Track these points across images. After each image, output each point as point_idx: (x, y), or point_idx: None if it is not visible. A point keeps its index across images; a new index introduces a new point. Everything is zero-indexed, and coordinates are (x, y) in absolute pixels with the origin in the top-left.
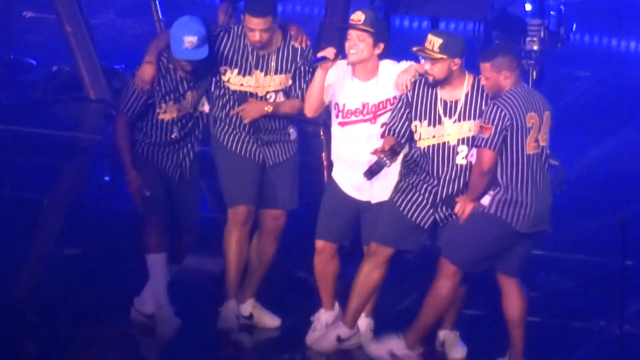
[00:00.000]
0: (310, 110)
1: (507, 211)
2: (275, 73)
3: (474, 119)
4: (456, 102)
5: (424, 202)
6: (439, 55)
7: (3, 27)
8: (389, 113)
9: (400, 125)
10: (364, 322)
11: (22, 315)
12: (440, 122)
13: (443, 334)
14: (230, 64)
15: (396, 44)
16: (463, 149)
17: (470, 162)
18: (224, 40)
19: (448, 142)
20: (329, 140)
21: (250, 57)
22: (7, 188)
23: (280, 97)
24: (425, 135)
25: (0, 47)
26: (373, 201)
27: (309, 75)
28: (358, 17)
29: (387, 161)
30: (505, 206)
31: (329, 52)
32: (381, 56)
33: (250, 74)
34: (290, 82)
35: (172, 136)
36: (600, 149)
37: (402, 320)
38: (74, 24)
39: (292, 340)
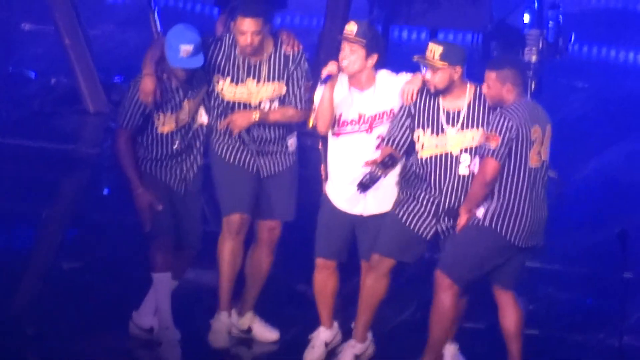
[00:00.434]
0: (323, 127)
1: (502, 223)
2: (268, 81)
3: (477, 127)
4: (459, 111)
5: (426, 213)
6: (440, 64)
7: (2, 39)
8: (386, 124)
9: (400, 134)
10: None
11: (21, 329)
12: (443, 132)
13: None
14: (222, 72)
15: (395, 55)
16: (466, 159)
17: (473, 172)
18: (217, 50)
19: (451, 151)
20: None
21: (242, 65)
22: (6, 201)
23: (275, 106)
24: (428, 144)
25: None
26: (365, 214)
27: (302, 81)
28: (351, 28)
29: (381, 173)
30: (500, 218)
31: (332, 67)
32: (379, 66)
33: (242, 82)
34: (284, 90)
35: (174, 147)
36: (599, 160)
37: (402, 331)
38: (72, 37)
39: (291, 354)
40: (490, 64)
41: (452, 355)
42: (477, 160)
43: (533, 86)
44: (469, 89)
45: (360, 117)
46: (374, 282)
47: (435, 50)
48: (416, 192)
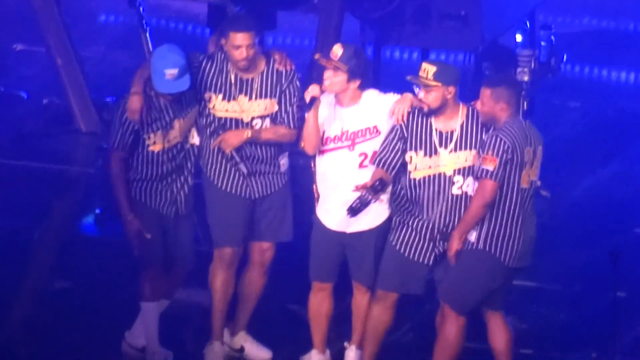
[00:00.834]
0: (310, 149)
1: (497, 245)
2: (260, 97)
3: (470, 149)
4: (452, 132)
5: (421, 239)
6: (434, 83)
7: None
8: (369, 142)
9: (392, 156)
10: (354, 354)
11: (13, 349)
12: (436, 153)
13: None
14: (214, 89)
15: (387, 75)
16: (459, 179)
17: (465, 193)
18: (208, 67)
19: (444, 172)
20: None
21: (234, 82)
22: None
23: (267, 124)
24: (421, 165)
25: None
26: (348, 231)
27: (294, 99)
28: (336, 52)
29: (371, 198)
30: (494, 240)
31: (315, 90)
32: (368, 85)
33: (234, 99)
34: (276, 107)
35: (164, 167)
36: (591, 180)
37: (395, 350)
38: (64, 57)
39: None
40: (486, 82)
41: None
42: (469, 180)
43: (525, 106)
44: (462, 110)
45: (342, 133)
46: (379, 314)
47: (428, 69)
48: (407, 219)
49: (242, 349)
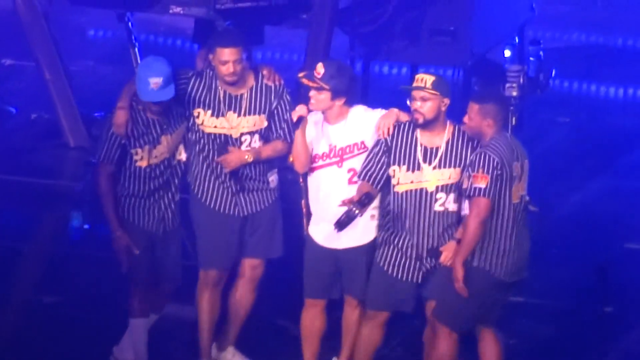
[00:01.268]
0: (300, 167)
1: (491, 262)
2: (249, 114)
3: (454, 167)
4: (437, 148)
5: (407, 259)
6: (433, 92)
7: None
8: (357, 158)
9: (377, 169)
10: None
11: None
12: (419, 168)
13: None
14: (203, 105)
15: (376, 90)
16: (441, 196)
17: (447, 209)
18: (197, 83)
19: (426, 188)
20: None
21: (222, 98)
22: None
23: (256, 140)
24: (404, 180)
25: None
26: (340, 247)
27: (287, 113)
28: (318, 70)
29: (358, 212)
30: (488, 257)
31: (302, 110)
32: (355, 101)
33: (223, 115)
34: (265, 123)
35: (151, 184)
36: (580, 195)
37: None
38: (53, 72)
39: None
40: (475, 97)
41: None
42: (452, 197)
43: (514, 121)
44: (449, 127)
45: (331, 149)
46: (369, 332)
47: (426, 79)
48: (391, 237)
49: None
